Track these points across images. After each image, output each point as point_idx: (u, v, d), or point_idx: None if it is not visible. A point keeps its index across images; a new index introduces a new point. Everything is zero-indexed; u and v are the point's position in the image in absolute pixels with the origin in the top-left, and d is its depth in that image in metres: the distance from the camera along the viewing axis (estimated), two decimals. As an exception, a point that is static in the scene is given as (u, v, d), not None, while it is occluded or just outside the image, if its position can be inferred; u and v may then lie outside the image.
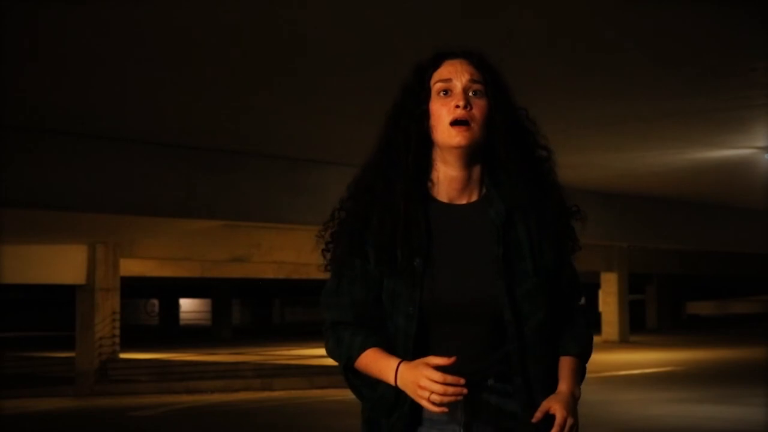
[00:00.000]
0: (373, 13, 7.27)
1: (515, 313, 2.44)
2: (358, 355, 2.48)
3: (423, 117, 2.51)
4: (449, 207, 2.53)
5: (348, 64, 8.67)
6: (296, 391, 16.21)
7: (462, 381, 2.30)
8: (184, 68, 8.86)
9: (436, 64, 2.55)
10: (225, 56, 8.44)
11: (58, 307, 35.31)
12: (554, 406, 2.45)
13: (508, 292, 2.44)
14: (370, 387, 2.52)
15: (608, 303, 32.59)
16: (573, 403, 2.49)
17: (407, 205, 2.48)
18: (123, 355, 21.10)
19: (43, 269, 19.05)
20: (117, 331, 19.90)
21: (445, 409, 2.33)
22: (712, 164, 14.79)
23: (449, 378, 2.30)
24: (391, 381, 2.41)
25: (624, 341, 30.98)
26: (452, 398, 2.31)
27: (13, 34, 7.62)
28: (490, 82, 2.53)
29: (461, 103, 2.46)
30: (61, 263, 19.23)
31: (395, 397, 2.45)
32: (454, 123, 2.46)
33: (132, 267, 24.10)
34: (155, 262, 26.49)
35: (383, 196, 2.51)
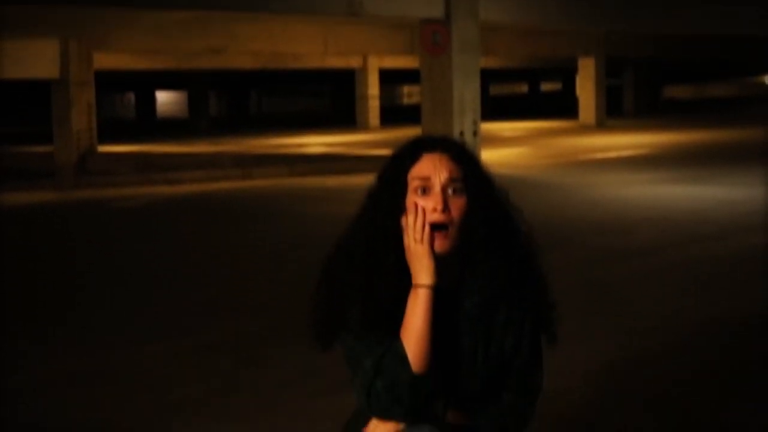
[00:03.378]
0: None
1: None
2: (399, 338, 2.41)
3: (400, 214, 2.45)
4: None
5: None
6: (276, 179, 16.34)
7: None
8: None
9: (414, 157, 2.47)
10: None
11: (35, 103, 35.11)
12: None
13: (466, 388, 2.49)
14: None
15: (585, 88, 32.62)
16: None
17: (388, 294, 2.42)
18: (101, 149, 21.13)
19: (16, 65, 18.84)
20: (94, 125, 19.88)
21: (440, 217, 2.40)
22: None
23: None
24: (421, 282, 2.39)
25: (601, 125, 31.15)
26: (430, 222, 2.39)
27: None
28: (470, 177, 2.46)
29: (439, 207, 2.41)
30: (34, 58, 19.02)
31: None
32: (432, 228, 2.40)
33: (106, 61, 23.86)
34: (129, 55, 26.22)
35: (364, 284, 2.44)
